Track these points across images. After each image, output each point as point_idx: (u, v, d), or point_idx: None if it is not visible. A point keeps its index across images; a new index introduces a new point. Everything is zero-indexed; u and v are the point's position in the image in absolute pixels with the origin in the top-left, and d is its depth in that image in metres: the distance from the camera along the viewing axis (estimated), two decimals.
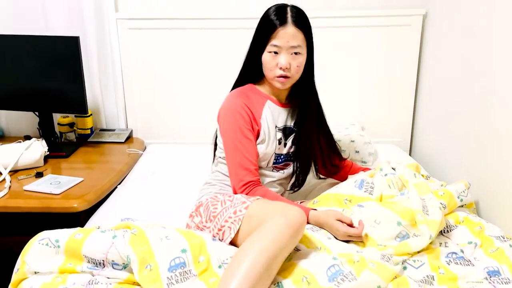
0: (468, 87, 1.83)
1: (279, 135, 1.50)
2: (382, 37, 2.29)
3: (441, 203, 1.45)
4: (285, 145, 1.53)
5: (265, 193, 1.41)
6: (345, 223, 1.32)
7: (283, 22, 1.35)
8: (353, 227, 1.32)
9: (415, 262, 1.22)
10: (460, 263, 1.24)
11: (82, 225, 1.59)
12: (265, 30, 1.37)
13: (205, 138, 2.38)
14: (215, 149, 1.61)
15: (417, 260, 1.23)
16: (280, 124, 1.51)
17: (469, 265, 1.24)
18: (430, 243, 1.29)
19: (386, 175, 1.53)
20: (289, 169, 1.58)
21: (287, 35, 1.34)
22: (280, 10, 1.37)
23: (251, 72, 1.48)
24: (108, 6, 2.22)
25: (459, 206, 1.55)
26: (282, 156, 1.54)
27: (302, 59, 1.40)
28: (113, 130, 2.40)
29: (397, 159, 2.10)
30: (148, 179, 1.94)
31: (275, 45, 1.35)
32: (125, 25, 2.27)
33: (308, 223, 1.36)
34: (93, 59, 2.29)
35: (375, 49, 2.31)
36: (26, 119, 2.36)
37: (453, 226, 1.44)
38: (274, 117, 1.49)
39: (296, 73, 1.41)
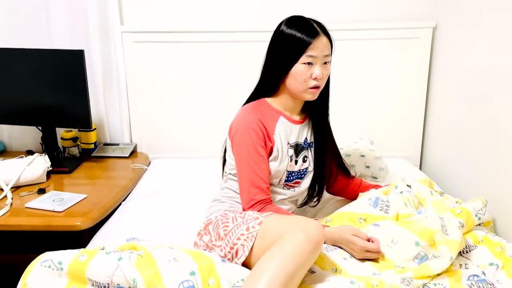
0: (480, 101, 1.78)
1: (291, 152, 1.47)
2: (391, 50, 2.25)
3: (459, 222, 1.39)
4: (296, 162, 1.49)
5: (277, 211, 1.36)
6: (362, 238, 1.28)
7: (315, 33, 1.33)
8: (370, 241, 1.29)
9: (436, 286, 1.16)
10: (483, 286, 1.18)
11: (85, 243, 1.55)
12: (297, 43, 1.33)
13: (211, 152, 2.36)
14: (224, 164, 1.56)
15: (438, 283, 1.17)
16: (292, 141, 1.48)
17: None
18: (450, 264, 1.23)
19: (401, 192, 1.48)
20: (300, 187, 1.54)
21: (322, 46, 1.34)
22: (305, 22, 1.36)
23: (268, 86, 1.45)
24: (113, 19, 2.20)
25: (477, 225, 1.49)
26: (293, 174, 1.50)
27: (329, 68, 1.41)
28: (117, 144, 2.36)
29: (408, 174, 2.06)
30: (153, 195, 1.89)
31: (311, 56, 1.33)
32: (130, 38, 2.24)
33: None
34: (98, 73, 2.26)
35: (384, 62, 2.28)
36: (29, 134, 2.32)
37: (473, 246, 1.38)
38: (286, 133, 1.46)
39: (324, 82, 1.40)
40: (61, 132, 2.28)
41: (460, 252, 1.34)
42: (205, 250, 1.33)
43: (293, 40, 1.33)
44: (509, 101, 1.56)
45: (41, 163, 1.92)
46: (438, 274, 1.21)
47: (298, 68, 1.34)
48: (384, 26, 2.22)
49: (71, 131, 2.27)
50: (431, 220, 1.33)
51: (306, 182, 1.54)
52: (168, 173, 2.14)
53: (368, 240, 1.29)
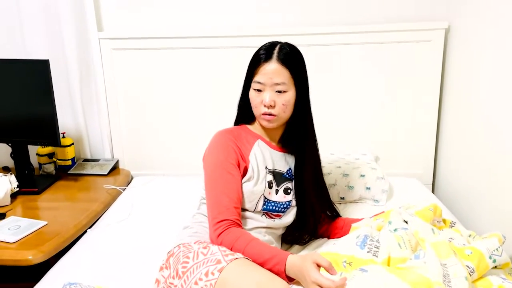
0: (500, 111, 1.52)
1: (269, 177, 1.35)
2: (399, 54, 2.00)
3: (467, 267, 1.14)
4: (276, 191, 1.36)
5: (240, 235, 1.19)
6: (322, 266, 1.09)
7: (268, 57, 1.26)
8: (332, 273, 1.09)
9: None
10: None
11: (39, 278, 1.37)
12: (251, 65, 1.31)
13: (198, 169, 2.15)
14: None
15: None
16: (271, 166, 1.36)
17: None
18: None
19: (395, 230, 1.23)
20: (281, 220, 1.38)
21: (270, 72, 1.25)
22: (270, 46, 1.29)
23: (245, 111, 1.38)
24: (91, 25, 2.02)
25: (492, 268, 1.22)
26: (273, 203, 1.35)
27: (288, 97, 1.28)
28: (98, 160, 2.18)
29: (416, 197, 1.80)
30: (124, 221, 1.69)
31: (258, 82, 1.27)
32: (109, 45, 2.06)
33: (286, 276, 1.14)
34: (75, 83, 2.09)
35: (391, 68, 2.02)
36: (3, 149, 2.17)
37: None
38: (264, 156, 1.36)
39: (283, 112, 1.29)
40: (37, 147, 2.11)
41: None
42: None
43: (249, 65, 1.31)
44: None
45: (4, 185, 1.75)
46: None
47: (250, 94, 1.31)
48: (392, 28, 1.97)
49: (46, 146, 2.11)
50: (431, 268, 1.07)
51: (289, 216, 1.40)
52: (148, 194, 1.94)
53: (330, 270, 1.09)
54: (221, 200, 1.23)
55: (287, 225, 1.41)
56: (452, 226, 1.44)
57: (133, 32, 2.05)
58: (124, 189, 1.99)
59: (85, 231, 1.65)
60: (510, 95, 1.47)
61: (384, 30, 1.97)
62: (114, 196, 1.92)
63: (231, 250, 1.17)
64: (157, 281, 1.23)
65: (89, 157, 2.22)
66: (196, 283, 1.09)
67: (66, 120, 2.17)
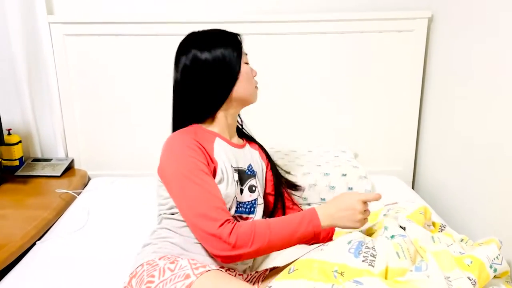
0: (484, 103, 1.44)
1: (236, 176, 1.21)
2: (380, 44, 1.89)
3: (469, 278, 1.03)
4: (241, 191, 1.23)
5: (252, 222, 1.06)
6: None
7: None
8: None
9: None
10: None
11: None
12: (234, 46, 1.22)
13: None
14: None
15: None
16: (234, 164, 1.22)
17: None
18: None
19: (392, 237, 1.10)
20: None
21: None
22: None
23: (204, 112, 1.24)
24: (39, 7, 1.78)
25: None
26: (243, 204, 1.22)
27: None
28: (50, 160, 1.95)
29: (398, 195, 1.70)
30: (79, 231, 1.49)
31: (246, 54, 1.24)
32: (61, 30, 1.83)
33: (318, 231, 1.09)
34: (22, 74, 1.85)
35: (371, 59, 1.91)
36: None
37: None
38: (227, 155, 1.21)
39: None
40: None
41: None
42: None
43: (228, 48, 1.21)
44: None
45: None
46: None
47: (245, 69, 1.22)
48: (372, 16, 1.86)
49: None
50: (435, 282, 0.95)
51: (257, 217, 1.26)
52: (107, 198, 1.74)
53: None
54: (213, 202, 1.06)
55: None
56: (442, 229, 1.33)
57: (89, 16, 1.84)
58: (79, 193, 1.78)
59: (34, 244, 1.43)
60: (494, 88, 1.38)
61: (363, 18, 1.85)
62: (68, 201, 1.71)
63: (253, 239, 1.02)
64: None
65: (39, 156, 1.99)
66: None
67: (12, 116, 1.93)
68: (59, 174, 1.86)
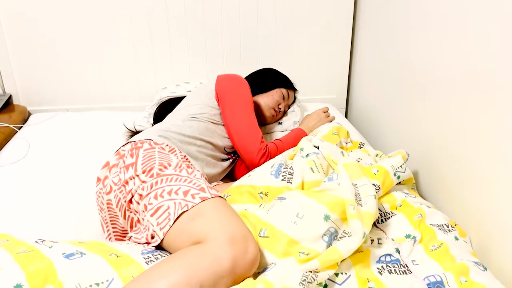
0: (412, 36, 1.52)
1: None
2: None
3: (374, 185, 1.17)
4: None
5: (275, 141, 1.48)
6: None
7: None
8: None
9: (338, 277, 0.94)
10: (395, 270, 0.98)
11: None
12: (281, 81, 1.67)
13: (108, 102, 1.99)
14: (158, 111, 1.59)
15: (342, 272, 0.95)
16: None
17: (405, 272, 0.98)
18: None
19: (307, 155, 1.23)
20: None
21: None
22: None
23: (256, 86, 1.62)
24: None
25: (397, 184, 1.28)
26: None
27: None
28: None
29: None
30: (19, 162, 1.53)
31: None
32: None
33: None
34: None
35: None
36: None
37: (389, 214, 1.17)
38: None
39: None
40: None
41: (374, 222, 1.13)
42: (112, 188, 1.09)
43: (274, 80, 1.67)
44: (449, 32, 1.31)
45: None
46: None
47: (279, 92, 1.65)
48: None
49: None
50: (344, 188, 1.08)
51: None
52: (48, 132, 1.74)
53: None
54: (257, 130, 1.41)
55: None
56: (361, 147, 1.48)
57: None
58: (20, 128, 1.79)
59: None
60: (425, 12, 1.46)
61: None
62: (7, 135, 1.72)
63: (276, 151, 1.42)
64: (106, 178, 1.11)
65: None
66: (169, 193, 0.98)
67: None
68: None
